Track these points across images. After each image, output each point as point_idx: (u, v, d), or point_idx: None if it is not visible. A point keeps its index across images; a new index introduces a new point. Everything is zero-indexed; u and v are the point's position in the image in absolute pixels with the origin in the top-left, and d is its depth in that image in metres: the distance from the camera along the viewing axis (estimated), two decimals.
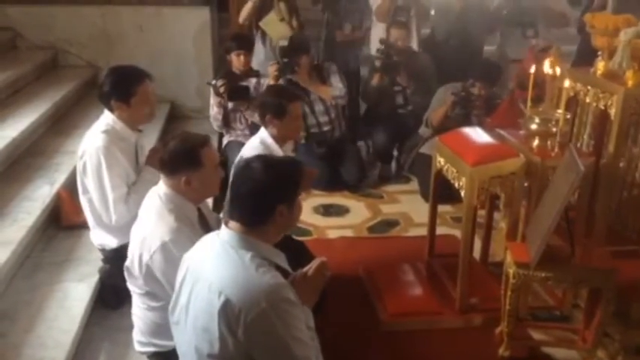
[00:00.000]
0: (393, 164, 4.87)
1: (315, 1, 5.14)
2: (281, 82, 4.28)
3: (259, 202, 1.78)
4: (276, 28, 4.72)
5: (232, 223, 1.82)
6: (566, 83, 2.83)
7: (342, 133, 4.62)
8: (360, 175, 4.55)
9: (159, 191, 2.27)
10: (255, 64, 4.86)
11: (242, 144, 3.39)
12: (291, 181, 1.85)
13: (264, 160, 1.86)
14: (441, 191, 3.36)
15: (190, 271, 1.86)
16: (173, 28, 5.31)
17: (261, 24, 4.75)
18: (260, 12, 4.75)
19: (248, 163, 1.83)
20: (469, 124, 4.01)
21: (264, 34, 4.84)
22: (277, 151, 2.98)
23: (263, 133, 3.06)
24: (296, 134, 3.31)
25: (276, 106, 3.01)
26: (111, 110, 2.75)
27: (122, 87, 2.71)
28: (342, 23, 5.01)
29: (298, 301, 1.77)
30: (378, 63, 4.60)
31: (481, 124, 4.01)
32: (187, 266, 1.88)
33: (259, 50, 4.88)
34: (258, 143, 3.02)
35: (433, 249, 3.42)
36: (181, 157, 2.21)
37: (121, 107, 2.73)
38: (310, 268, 1.94)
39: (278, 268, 1.83)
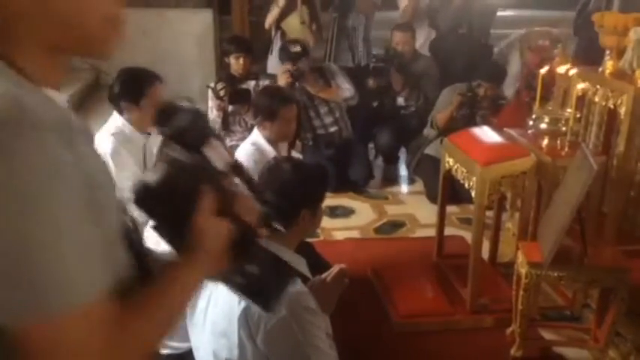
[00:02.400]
0: (398, 165, 4.88)
1: (324, 7, 5.20)
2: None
3: (285, 204, 1.77)
4: (297, 30, 4.75)
5: None
6: (580, 84, 2.82)
7: (350, 132, 4.61)
8: (368, 175, 4.54)
9: None
10: (274, 66, 4.90)
11: None
12: (319, 185, 1.85)
13: (293, 161, 1.87)
14: (447, 192, 3.36)
15: None
16: (176, 31, 5.32)
17: (282, 25, 4.78)
18: (282, 14, 4.77)
19: (277, 163, 1.84)
20: (474, 124, 4.02)
21: (283, 36, 4.86)
22: (270, 152, 2.96)
23: (255, 135, 3.05)
24: (288, 136, 3.29)
25: (268, 108, 3.00)
26: (120, 112, 2.75)
27: (132, 88, 2.72)
28: (348, 23, 5.05)
29: (318, 309, 1.76)
30: (371, 66, 4.65)
31: (486, 125, 4.02)
32: None
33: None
34: (249, 145, 3.01)
35: (442, 250, 3.42)
36: None
37: (131, 108, 2.73)
38: (329, 274, 1.93)
39: (298, 273, 1.82)
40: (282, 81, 4.17)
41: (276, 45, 4.89)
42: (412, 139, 4.69)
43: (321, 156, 4.38)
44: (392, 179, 4.75)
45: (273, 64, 4.96)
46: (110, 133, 2.74)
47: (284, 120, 3.00)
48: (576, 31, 4.92)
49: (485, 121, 4.07)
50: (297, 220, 1.78)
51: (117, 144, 2.70)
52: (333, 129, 4.51)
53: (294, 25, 4.78)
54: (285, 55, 4.29)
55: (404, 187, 4.69)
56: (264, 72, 4.87)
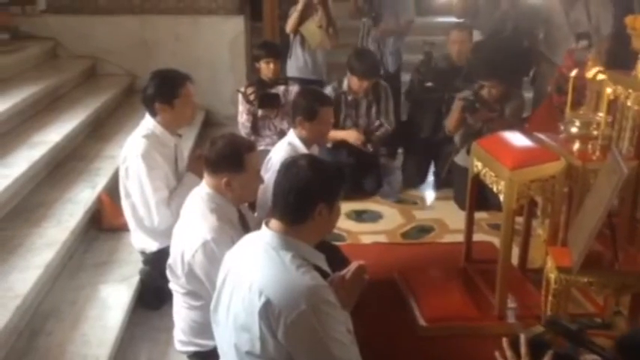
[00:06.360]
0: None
1: (352, 16, 5.24)
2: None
3: (302, 197, 1.79)
4: (315, 34, 4.82)
5: (273, 223, 1.84)
6: (610, 88, 2.78)
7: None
8: (377, 185, 4.55)
9: (201, 191, 2.31)
10: (294, 70, 4.96)
11: None
12: (335, 181, 1.86)
13: (310, 157, 1.90)
14: (477, 198, 3.34)
15: (231, 271, 1.88)
16: (209, 37, 5.42)
17: (301, 29, 4.84)
18: (301, 18, 4.84)
19: (295, 160, 1.87)
20: (491, 127, 3.96)
21: (302, 40, 4.92)
22: (304, 152, 2.99)
23: (291, 135, 3.09)
24: (324, 138, 3.33)
25: (308, 108, 3.04)
26: (154, 114, 2.81)
27: (166, 89, 2.78)
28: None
29: (338, 303, 1.78)
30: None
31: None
32: (229, 266, 1.91)
33: (298, 56, 4.98)
34: (286, 145, 3.06)
35: (470, 255, 3.39)
36: (226, 158, 2.26)
37: (165, 109, 2.79)
38: (348, 271, 1.95)
39: (317, 269, 1.83)
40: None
41: (297, 49, 4.97)
42: (442, 148, 4.61)
43: (340, 162, 4.32)
44: (421, 184, 4.72)
45: (293, 67, 5.03)
46: (142, 135, 2.80)
47: (322, 120, 3.06)
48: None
49: (491, 127, 3.98)
50: (314, 214, 1.79)
51: (148, 146, 2.75)
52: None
53: (312, 29, 4.85)
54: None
55: (433, 193, 4.65)
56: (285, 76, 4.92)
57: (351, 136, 4.37)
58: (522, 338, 1.50)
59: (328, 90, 4.45)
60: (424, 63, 4.68)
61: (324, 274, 1.85)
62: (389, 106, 4.53)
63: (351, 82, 4.39)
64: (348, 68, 4.38)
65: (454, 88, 4.46)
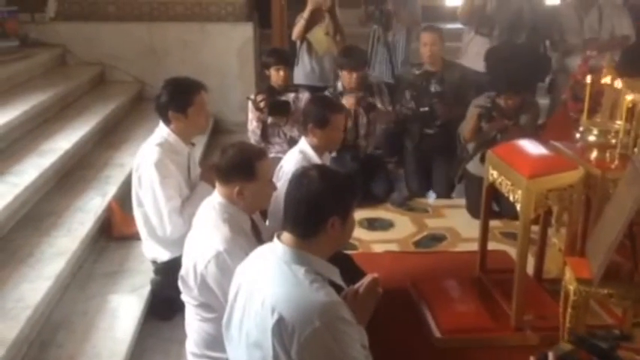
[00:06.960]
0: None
1: (363, 23, 5.20)
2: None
3: (312, 211, 1.75)
4: (322, 41, 4.81)
5: (285, 236, 1.80)
6: (629, 95, 2.74)
7: (372, 149, 4.56)
8: (389, 188, 4.52)
9: (213, 201, 2.28)
10: (301, 77, 4.93)
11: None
12: (347, 193, 1.81)
13: (321, 169, 1.85)
14: (490, 207, 3.29)
15: (243, 286, 1.84)
16: (217, 44, 5.39)
17: (308, 36, 4.83)
18: (307, 25, 4.82)
19: (305, 171, 1.82)
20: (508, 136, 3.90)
21: (309, 47, 4.90)
22: (316, 160, 2.96)
23: (303, 143, 3.07)
24: (335, 145, 3.29)
25: (320, 115, 3.01)
26: (167, 122, 2.79)
27: (179, 98, 2.76)
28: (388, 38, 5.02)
29: (353, 320, 1.73)
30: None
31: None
32: (240, 281, 1.86)
33: (305, 62, 4.96)
34: (297, 153, 3.03)
35: (485, 264, 3.34)
36: (237, 166, 2.23)
37: (179, 118, 2.77)
38: (361, 285, 1.90)
39: (331, 283, 1.79)
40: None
41: (303, 56, 4.95)
42: (453, 155, 4.55)
43: (346, 168, 4.25)
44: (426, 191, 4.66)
45: (300, 74, 5.00)
46: (155, 143, 2.77)
47: (333, 127, 3.03)
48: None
49: (505, 135, 3.90)
50: (326, 227, 1.75)
51: (162, 154, 2.73)
52: (362, 143, 4.46)
53: (319, 36, 4.85)
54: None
55: (444, 200, 4.59)
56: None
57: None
58: (551, 356, 1.45)
59: None
60: (419, 87, 4.55)
61: (338, 288, 1.81)
62: (384, 100, 4.47)
63: (342, 79, 4.36)
64: (337, 67, 4.40)
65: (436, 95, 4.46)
